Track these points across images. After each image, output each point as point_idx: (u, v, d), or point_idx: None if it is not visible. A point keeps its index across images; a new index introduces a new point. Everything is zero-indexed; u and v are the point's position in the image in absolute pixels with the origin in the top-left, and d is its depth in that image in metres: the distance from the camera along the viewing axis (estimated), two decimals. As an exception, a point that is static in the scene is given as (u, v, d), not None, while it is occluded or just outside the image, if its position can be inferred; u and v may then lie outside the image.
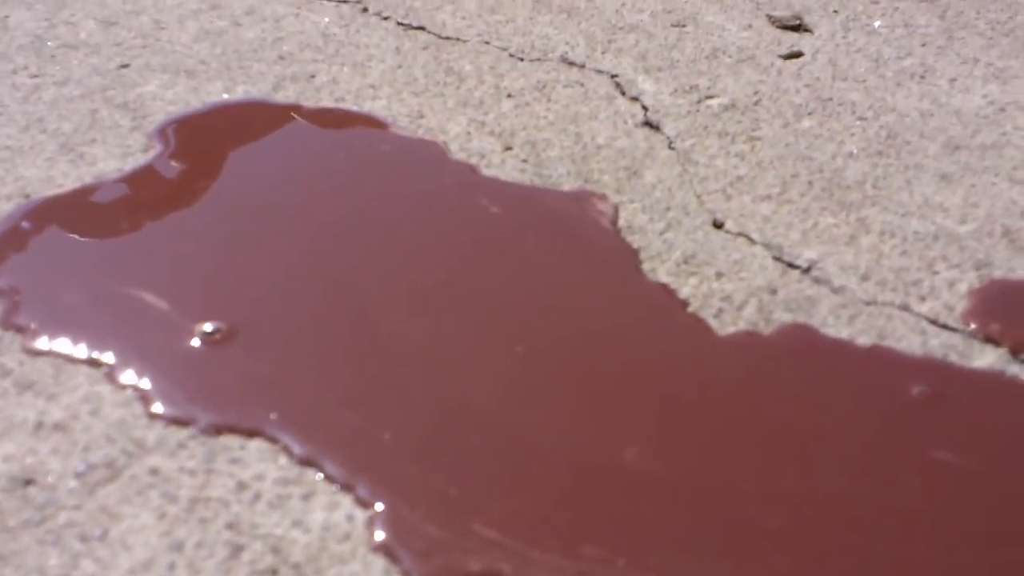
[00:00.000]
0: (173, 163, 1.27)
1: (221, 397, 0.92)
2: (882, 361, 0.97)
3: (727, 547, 0.79)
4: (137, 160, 1.28)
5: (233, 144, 1.33)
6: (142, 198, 1.21)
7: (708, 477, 0.85)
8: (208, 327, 0.99)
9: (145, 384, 0.93)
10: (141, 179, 1.24)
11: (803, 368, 0.97)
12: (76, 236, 1.13)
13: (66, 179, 1.24)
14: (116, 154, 1.29)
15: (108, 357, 0.96)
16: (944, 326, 1.02)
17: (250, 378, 0.94)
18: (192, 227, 1.15)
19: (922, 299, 1.05)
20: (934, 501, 0.83)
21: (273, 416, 0.90)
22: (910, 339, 1.00)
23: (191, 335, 0.99)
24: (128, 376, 0.94)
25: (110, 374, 0.94)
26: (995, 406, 0.92)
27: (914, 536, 0.81)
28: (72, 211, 1.17)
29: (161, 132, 1.33)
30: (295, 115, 1.38)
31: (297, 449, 0.87)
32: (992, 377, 0.96)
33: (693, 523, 0.81)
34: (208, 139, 1.34)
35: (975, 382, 0.95)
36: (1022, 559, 0.80)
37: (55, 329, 0.99)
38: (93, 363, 0.96)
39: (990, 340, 1.00)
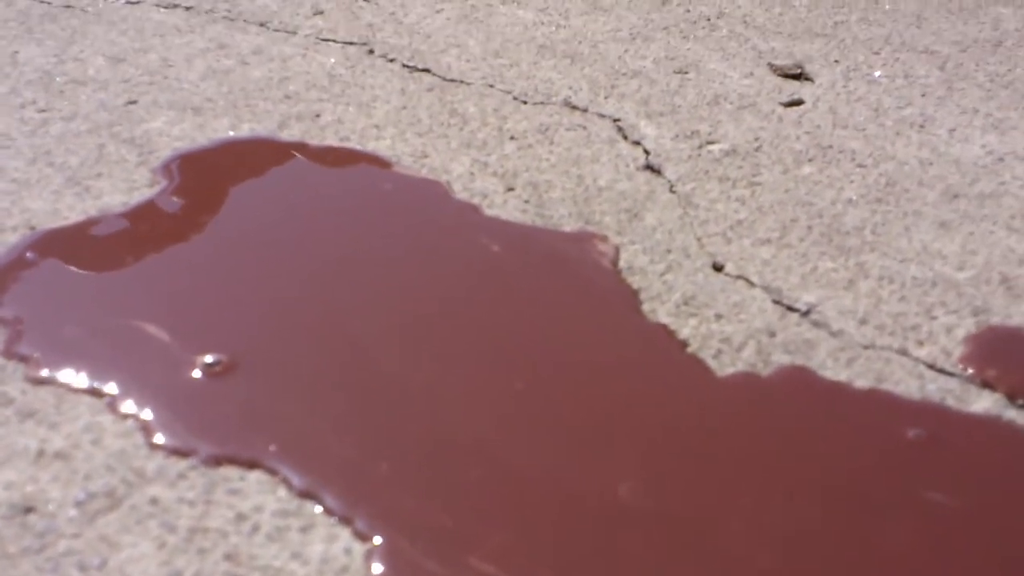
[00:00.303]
0: (176, 198, 1.28)
1: (221, 429, 0.92)
2: (879, 404, 0.98)
3: None
4: (143, 195, 1.29)
5: (237, 180, 1.34)
6: (145, 232, 1.22)
7: (701, 515, 0.85)
8: (209, 359, 1.00)
9: (146, 415, 0.93)
10: (145, 213, 1.25)
11: (800, 409, 0.97)
12: (79, 268, 1.14)
13: (72, 212, 1.25)
14: (122, 188, 1.30)
15: (110, 387, 0.96)
16: (941, 371, 1.02)
17: (250, 410, 0.94)
18: (194, 261, 1.16)
19: (920, 344, 1.06)
20: (925, 542, 0.84)
21: (272, 448, 0.90)
22: (908, 383, 1.01)
23: (192, 367, 0.99)
24: (129, 406, 0.94)
25: (112, 404, 0.95)
26: (990, 449, 0.93)
27: (875, 562, 0.81)
28: (76, 243, 1.18)
29: (166, 167, 1.34)
30: (299, 153, 1.40)
31: (296, 481, 0.87)
32: (989, 422, 0.96)
33: (684, 560, 0.81)
34: (212, 175, 1.35)
35: (971, 426, 0.96)
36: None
37: (57, 359, 1.00)
38: (95, 393, 0.96)
39: (987, 385, 1.00)
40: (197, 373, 0.98)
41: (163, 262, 1.16)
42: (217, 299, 1.10)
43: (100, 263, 1.16)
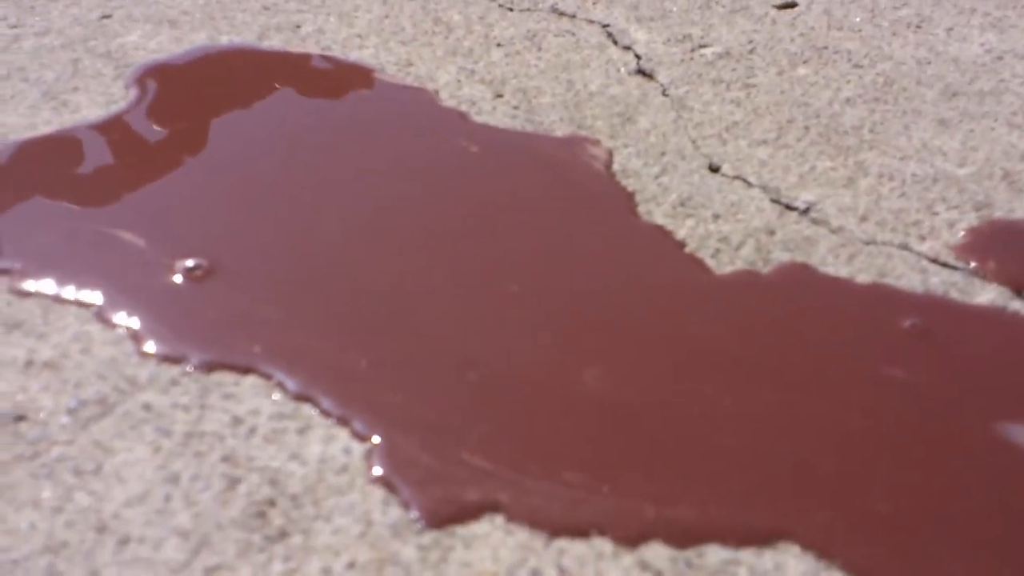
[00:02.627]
0: (152, 109, 1.24)
1: (211, 334, 0.90)
2: (880, 297, 0.96)
3: (693, 468, 0.79)
4: (120, 107, 1.25)
5: (214, 90, 1.30)
6: (120, 141, 1.19)
7: (684, 402, 0.85)
8: (190, 263, 0.97)
9: (135, 322, 0.91)
10: (119, 123, 1.22)
11: (797, 303, 0.96)
12: (54, 179, 1.11)
13: (48, 126, 1.21)
14: (99, 102, 1.26)
15: (96, 296, 0.94)
16: (945, 264, 1.01)
17: (237, 314, 0.92)
18: (171, 169, 1.13)
19: (922, 239, 1.04)
20: (878, 415, 0.84)
21: (263, 352, 0.88)
22: (910, 277, 0.99)
23: (173, 272, 0.96)
24: (118, 315, 0.92)
25: (100, 313, 0.92)
26: (983, 337, 0.92)
27: (850, 445, 0.81)
28: (49, 154, 1.15)
29: (140, 77, 1.30)
30: (278, 63, 1.36)
31: (291, 385, 0.85)
32: (992, 313, 0.95)
33: (660, 447, 0.81)
34: (189, 84, 1.31)
35: (972, 317, 0.94)
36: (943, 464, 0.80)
37: (41, 270, 0.97)
38: (82, 303, 0.94)
39: (991, 277, 0.99)
40: (179, 279, 0.96)
41: (138, 171, 1.12)
42: (195, 206, 1.07)
43: (75, 173, 1.12)
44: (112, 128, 1.21)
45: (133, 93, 1.28)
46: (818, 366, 0.89)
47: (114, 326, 0.91)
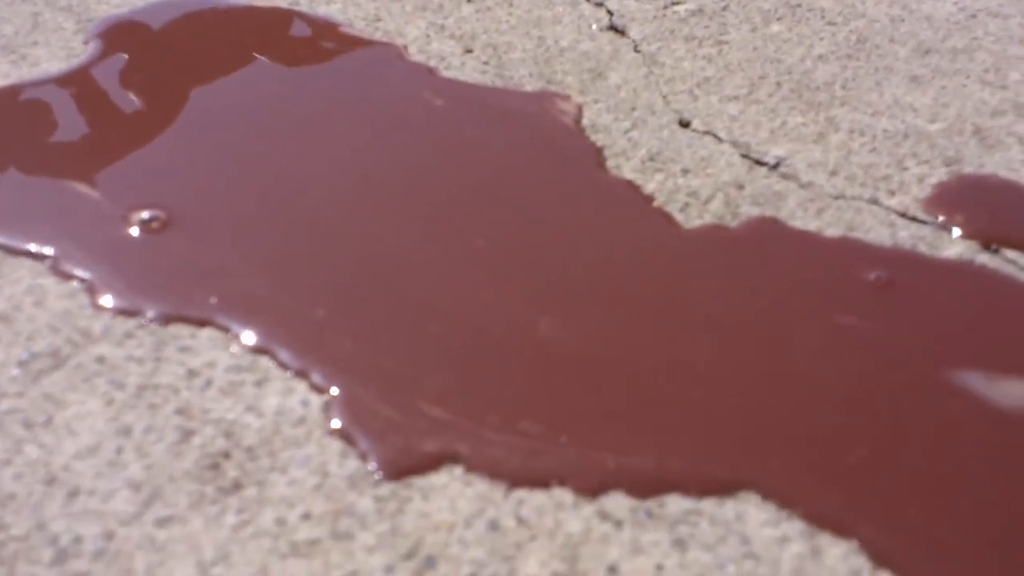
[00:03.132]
0: (112, 62, 1.22)
1: (168, 286, 0.88)
2: (848, 250, 0.95)
3: (654, 419, 0.78)
4: (80, 61, 1.22)
5: (177, 45, 1.28)
6: (79, 95, 1.16)
7: (647, 355, 0.84)
8: (145, 215, 0.95)
9: (90, 275, 0.89)
10: (78, 77, 1.19)
11: (765, 257, 0.95)
12: (12, 131, 1.08)
13: (7, 80, 1.18)
14: (60, 56, 1.24)
15: (50, 249, 0.92)
16: (913, 218, 1.00)
17: (194, 266, 0.90)
18: (128, 122, 1.11)
19: (891, 193, 1.03)
20: (839, 367, 0.83)
21: (221, 304, 0.86)
22: (879, 231, 0.98)
23: (129, 224, 0.94)
24: (73, 267, 0.90)
25: (54, 266, 0.90)
26: (946, 288, 0.91)
27: (812, 396, 0.81)
28: (7, 107, 1.13)
29: (101, 32, 1.28)
30: (245, 16, 1.33)
31: (249, 337, 0.83)
32: (959, 266, 0.94)
33: (621, 398, 0.80)
34: (151, 39, 1.29)
35: (939, 270, 0.94)
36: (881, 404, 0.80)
37: (-6, 222, 0.95)
38: (35, 255, 0.92)
39: (959, 231, 0.98)
40: (135, 231, 0.94)
41: (95, 124, 1.10)
42: (152, 158, 1.04)
43: (30, 126, 1.10)
44: (70, 82, 1.18)
45: (93, 47, 1.25)
46: (782, 318, 0.88)
47: (68, 279, 0.89)
